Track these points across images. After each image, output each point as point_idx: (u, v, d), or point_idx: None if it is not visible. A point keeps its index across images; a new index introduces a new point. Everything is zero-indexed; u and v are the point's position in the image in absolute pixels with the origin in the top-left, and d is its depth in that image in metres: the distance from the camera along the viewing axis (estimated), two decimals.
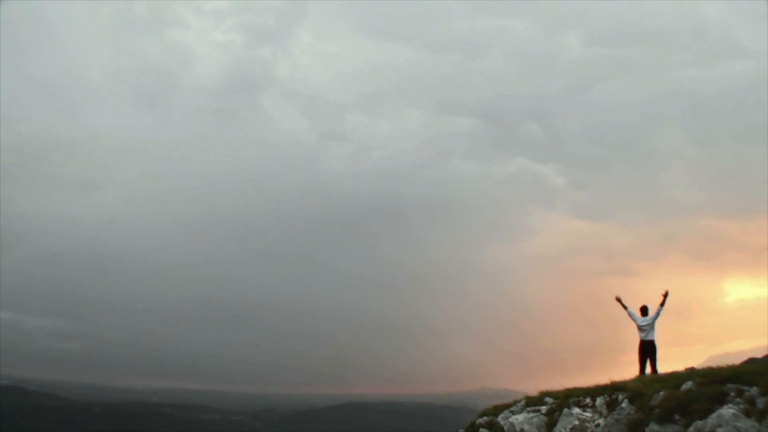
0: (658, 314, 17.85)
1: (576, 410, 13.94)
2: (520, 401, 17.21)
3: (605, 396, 13.85)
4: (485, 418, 17.73)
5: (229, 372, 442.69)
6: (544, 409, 15.38)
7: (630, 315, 18.31)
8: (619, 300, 18.60)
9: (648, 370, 17.86)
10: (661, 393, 10.97)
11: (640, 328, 17.99)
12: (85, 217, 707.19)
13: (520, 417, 15.47)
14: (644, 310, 18.17)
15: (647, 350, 17.90)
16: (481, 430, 17.34)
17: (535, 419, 15.00)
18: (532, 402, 16.35)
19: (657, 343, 18.16)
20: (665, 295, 17.73)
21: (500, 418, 16.62)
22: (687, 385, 10.77)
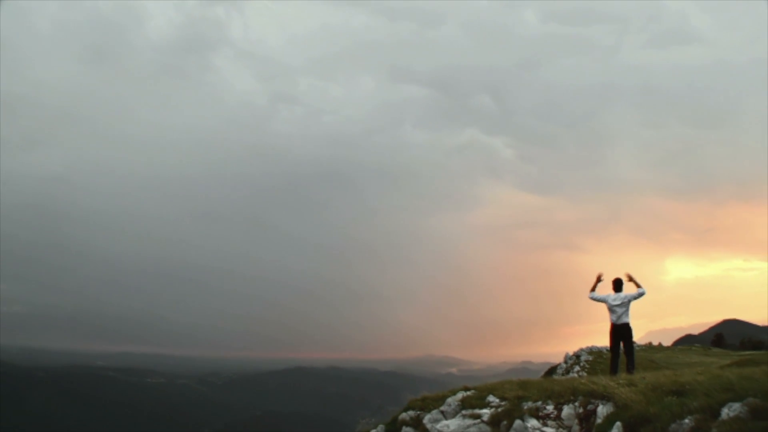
0: (638, 294, 13.29)
1: (532, 423, 9.10)
2: (456, 393, 12.28)
3: (576, 405, 9.05)
4: (411, 413, 12.79)
5: (175, 335, 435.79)
6: (485, 414, 10.48)
7: (595, 298, 13.71)
8: (599, 279, 13.81)
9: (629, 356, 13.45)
10: (688, 420, 6.15)
11: (611, 310, 13.41)
12: (29, 175, 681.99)
13: (453, 424, 10.53)
14: (617, 285, 13.54)
15: (621, 336, 13.45)
16: (404, 429, 12.51)
17: (472, 429, 10.25)
18: (470, 402, 11.47)
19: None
20: (630, 279, 13.37)
21: (427, 421, 11.72)
22: (733, 410, 5.92)
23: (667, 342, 65.73)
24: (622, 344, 13.49)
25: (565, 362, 44.44)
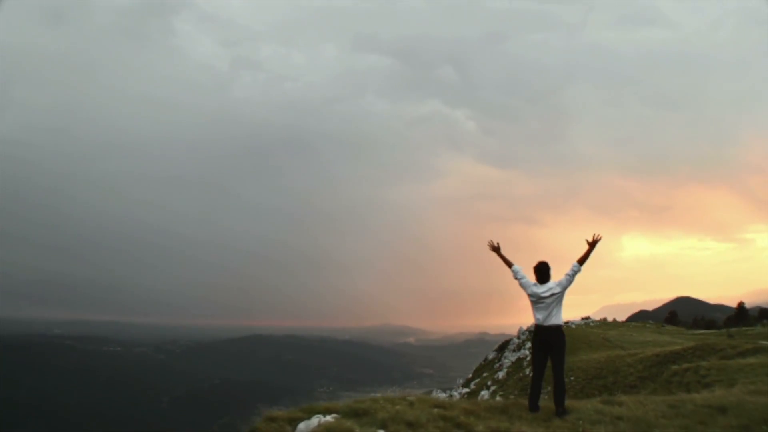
0: (572, 277, 8.33)
1: None
2: (311, 418, 7.14)
3: None
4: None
5: (132, 302, 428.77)
6: None
7: (517, 279, 8.77)
8: (496, 250, 8.85)
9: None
10: None
11: (536, 305, 8.43)
12: None
13: None
14: (542, 272, 8.49)
15: (548, 343, 8.37)
16: None
17: None
18: None
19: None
20: (592, 244, 8.19)
21: None
22: None
23: (621, 317, 64.63)
24: (549, 358, 8.47)
25: (518, 337, 42.95)
